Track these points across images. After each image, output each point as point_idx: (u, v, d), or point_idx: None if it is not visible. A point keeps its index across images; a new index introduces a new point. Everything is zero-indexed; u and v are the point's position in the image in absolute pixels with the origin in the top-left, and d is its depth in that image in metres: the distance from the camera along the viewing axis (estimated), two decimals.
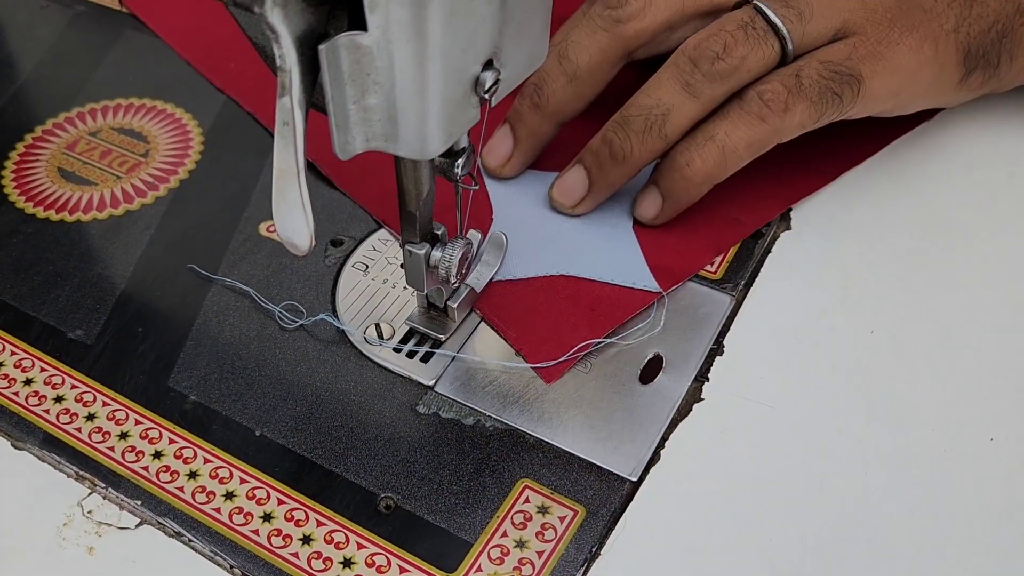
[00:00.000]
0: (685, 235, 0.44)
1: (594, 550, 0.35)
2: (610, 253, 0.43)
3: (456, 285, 0.39)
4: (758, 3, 0.41)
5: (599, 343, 0.40)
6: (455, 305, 0.40)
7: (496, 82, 0.33)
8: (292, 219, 0.32)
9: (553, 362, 0.39)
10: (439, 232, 0.38)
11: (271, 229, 0.46)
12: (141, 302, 0.44)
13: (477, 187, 0.40)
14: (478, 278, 0.42)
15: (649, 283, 0.42)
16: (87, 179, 0.49)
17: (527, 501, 0.36)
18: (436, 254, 0.38)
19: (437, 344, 0.41)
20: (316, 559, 0.35)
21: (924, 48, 0.42)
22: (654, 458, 0.37)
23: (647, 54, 0.45)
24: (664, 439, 0.38)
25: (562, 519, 0.36)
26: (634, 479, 0.37)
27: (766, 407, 0.39)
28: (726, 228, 0.44)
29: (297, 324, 0.42)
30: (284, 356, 0.41)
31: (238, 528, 0.36)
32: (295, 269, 0.44)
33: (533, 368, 0.39)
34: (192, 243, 0.46)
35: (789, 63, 0.41)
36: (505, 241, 0.43)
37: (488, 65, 0.33)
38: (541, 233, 0.44)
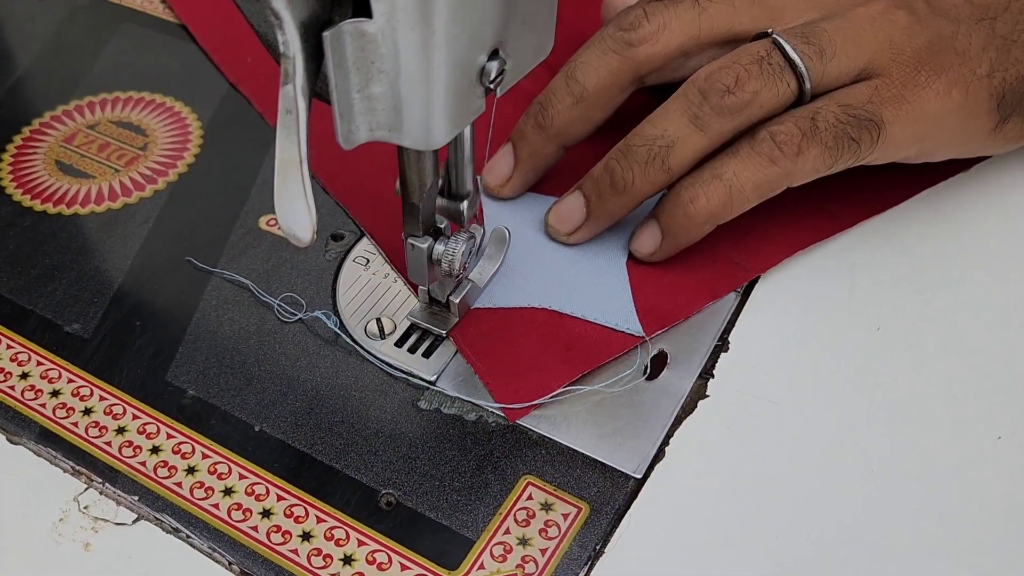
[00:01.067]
0: (680, 276, 0.41)
1: (598, 548, 0.34)
2: (597, 289, 0.41)
3: (459, 280, 0.39)
4: (777, 37, 0.39)
5: (576, 389, 0.38)
6: (457, 300, 0.40)
7: (502, 72, 0.33)
8: (294, 210, 0.31)
9: (519, 405, 0.37)
10: (442, 225, 0.38)
11: (271, 223, 0.46)
12: (139, 296, 0.43)
13: (483, 229, 0.41)
14: (480, 273, 0.42)
15: (633, 325, 0.39)
16: (85, 172, 0.49)
17: (530, 498, 0.36)
18: (439, 248, 0.37)
19: (439, 339, 0.40)
20: (316, 556, 0.34)
21: (952, 93, 0.39)
22: (659, 455, 0.37)
23: (659, 80, 0.43)
24: (669, 436, 0.37)
25: (565, 516, 0.35)
26: (638, 476, 0.36)
27: (771, 404, 0.38)
28: (725, 272, 0.42)
29: (296, 317, 0.42)
30: (284, 351, 0.41)
31: (237, 524, 0.35)
32: (295, 263, 0.44)
33: (499, 407, 0.38)
34: (191, 237, 0.45)
35: (806, 103, 0.39)
36: (508, 236, 0.42)
37: (494, 55, 0.32)
38: (529, 261, 0.42)
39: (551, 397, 0.37)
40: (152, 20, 0.58)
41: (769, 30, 0.40)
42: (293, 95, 0.29)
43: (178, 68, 0.54)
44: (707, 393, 0.39)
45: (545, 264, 0.42)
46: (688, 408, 0.38)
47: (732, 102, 0.39)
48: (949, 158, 0.43)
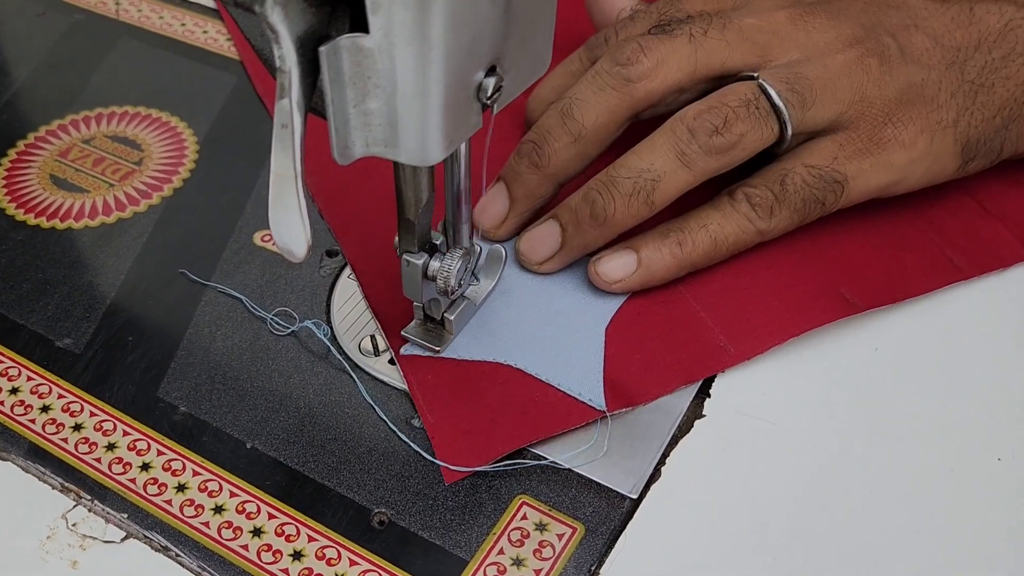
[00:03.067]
0: (658, 352, 0.39)
1: (593, 569, 0.34)
2: (567, 353, 0.39)
3: (454, 297, 0.38)
4: (763, 82, 0.40)
5: (521, 463, 0.36)
6: (452, 317, 0.40)
7: (499, 88, 0.32)
8: (289, 225, 0.31)
9: (460, 468, 0.36)
10: (438, 242, 0.37)
11: (266, 239, 0.46)
12: (132, 311, 0.43)
13: (477, 304, 0.41)
14: (476, 292, 0.41)
15: (596, 398, 0.37)
16: (79, 186, 0.49)
17: (524, 518, 0.35)
18: (435, 264, 0.37)
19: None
20: (307, 575, 0.34)
21: (919, 143, 0.40)
22: (655, 475, 0.36)
23: (652, 115, 0.43)
24: (665, 456, 0.37)
25: (560, 536, 0.35)
26: (634, 496, 0.36)
27: (768, 424, 0.38)
28: (707, 354, 0.39)
29: (288, 330, 0.41)
30: (277, 367, 0.40)
31: (227, 543, 0.35)
32: (289, 279, 0.44)
33: (437, 463, 0.36)
34: (185, 252, 0.45)
35: (784, 146, 0.40)
36: (504, 255, 0.42)
37: (491, 71, 0.32)
38: (504, 311, 0.41)
39: (493, 465, 0.36)
40: (150, 36, 0.58)
41: (755, 73, 0.40)
42: (289, 109, 0.29)
43: (175, 83, 0.54)
44: (703, 413, 0.38)
45: (519, 317, 0.41)
46: (684, 428, 0.38)
47: (719, 143, 0.39)
48: (913, 190, 0.43)
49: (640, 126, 0.42)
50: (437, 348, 0.40)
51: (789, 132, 0.40)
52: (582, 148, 0.42)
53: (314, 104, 0.31)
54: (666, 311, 0.41)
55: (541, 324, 0.41)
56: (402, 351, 0.40)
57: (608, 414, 0.37)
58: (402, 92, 0.30)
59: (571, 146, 0.41)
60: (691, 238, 0.40)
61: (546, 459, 0.36)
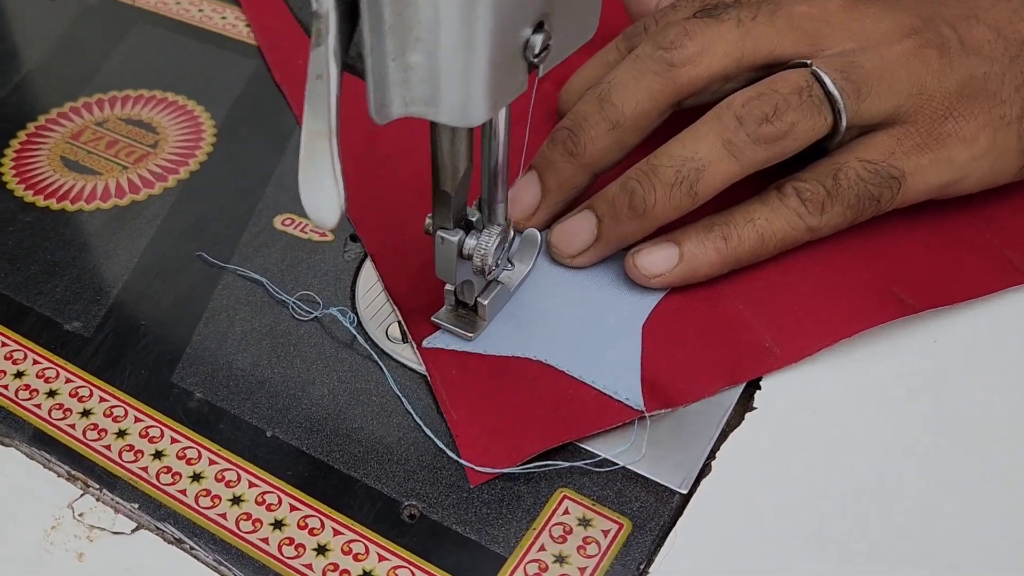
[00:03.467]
0: (699, 352, 0.36)
1: (642, 567, 0.31)
2: (603, 350, 0.37)
3: (490, 278, 0.36)
4: (817, 69, 0.37)
5: (554, 465, 0.33)
6: (486, 302, 0.37)
7: (546, 47, 0.30)
8: (320, 188, 0.29)
9: (486, 469, 0.33)
10: (474, 219, 0.35)
11: (286, 223, 0.43)
12: (145, 294, 0.41)
13: (514, 235, 0.38)
14: (510, 277, 0.39)
15: (633, 396, 0.35)
16: (91, 168, 0.46)
17: (567, 512, 0.33)
18: (470, 242, 0.35)
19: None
20: (332, 571, 0.31)
21: (980, 139, 0.38)
22: (705, 469, 0.34)
23: (696, 103, 0.40)
24: (715, 450, 0.34)
25: (606, 533, 0.32)
26: (684, 491, 0.33)
27: (821, 417, 0.35)
28: (752, 355, 0.36)
29: (312, 316, 0.39)
30: (299, 352, 0.38)
31: (246, 536, 0.32)
32: (312, 264, 0.41)
33: (462, 463, 0.34)
34: (202, 235, 0.43)
35: (837, 139, 0.38)
36: (540, 239, 0.40)
37: (539, 28, 0.30)
38: (536, 306, 0.38)
39: (523, 467, 0.33)
40: (165, 20, 0.56)
41: (808, 61, 0.38)
42: (325, 58, 0.27)
43: (191, 67, 0.52)
44: (754, 405, 0.36)
45: (551, 311, 0.38)
46: (734, 421, 0.35)
47: (769, 131, 0.36)
48: (973, 192, 0.40)
49: (681, 117, 0.40)
50: (470, 334, 0.37)
51: (843, 123, 0.37)
52: (620, 136, 0.39)
53: (350, 59, 0.29)
54: (707, 308, 0.38)
55: (574, 319, 0.38)
56: (425, 343, 0.38)
57: (647, 415, 0.34)
58: (445, 45, 0.28)
59: (609, 134, 0.39)
60: (736, 233, 0.38)
61: (579, 462, 0.34)
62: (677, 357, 0.36)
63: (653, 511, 0.33)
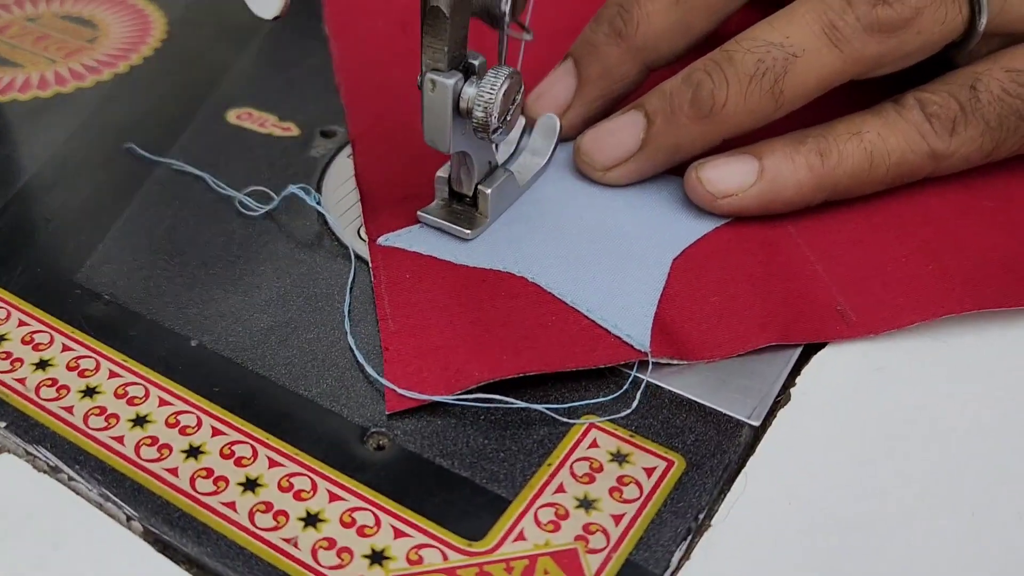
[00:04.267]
0: (743, 302, 0.27)
1: (701, 517, 0.22)
2: (612, 276, 0.28)
3: (496, 139, 0.27)
4: None
5: (507, 401, 0.24)
6: (489, 191, 0.29)
7: None
8: None
9: (410, 394, 0.25)
10: (475, 62, 0.27)
11: (243, 116, 0.35)
12: (57, 187, 0.32)
13: (530, 37, 0.29)
14: (523, 168, 0.30)
15: (637, 334, 0.26)
16: (12, 61, 0.38)
17: (595, 445, 0.24)
18: (469, 91, 0.26)
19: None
20: (262, 512, 0.22)
21: None
22: (782, 398, 0.25)
23: None
24: (794, 374, 0.26)
25: (650, 472, 0.23)
26: (755, 424, 0.24)
27: (927, 339, 0.27)
28: (816, 315, 0.27)
29: (263, 211, 0.30)
30: (244, 253, 0.29)
31: (146, 464, 0.23)
32: (271, 159, 0.33)
33: (389, 386, 0.25)
34: (136, 129, 0.34)
35: (970, 45, 0.29)
36: (558, 127, 0.31)
37: None
38: (536, 218, 0.30)
39: (457, 397, 0.25)
40: None
41: None
42: None
43: None
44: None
45: (559, 227, 0.30)
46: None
47: (886, 15, 0.27)
48: None
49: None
50: (468, 231, 0.29)
51: (982, 19, 0.28)
52: (683, 15, 0.30)
53: None
54: (766, 253, 0.29)
55: (583, 241, 0.29)
56: (381, 240, 0.29)
57: (651, 359, 0.25)
58: None
59: (671, 9, 0.30)
60: (838, 148, 0.29)
61: (537, 406, 0.24)
62: (710, 304, 0.27)
63: (714, 446, 0.24)
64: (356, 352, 0.26)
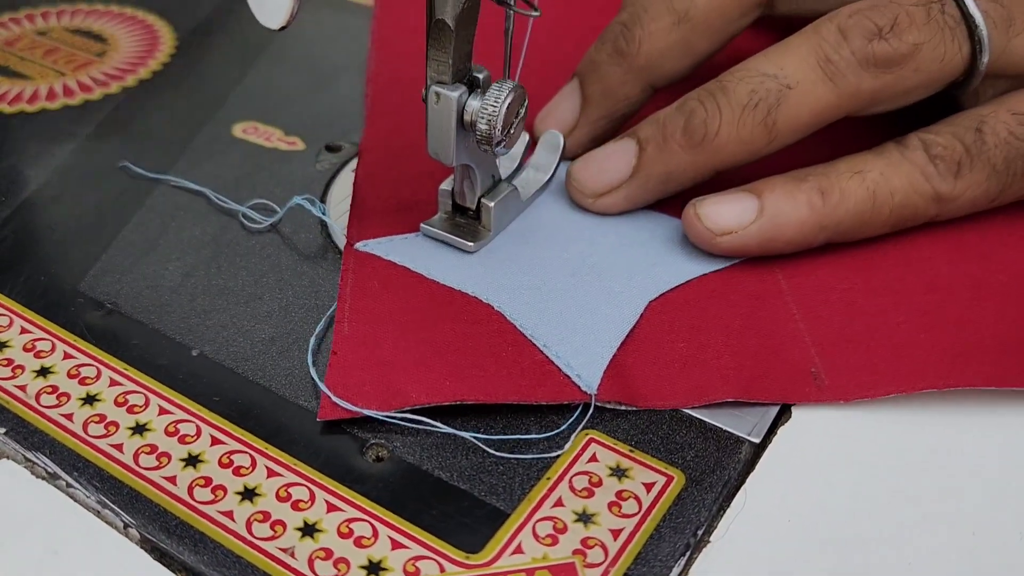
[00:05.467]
0: (711, 353, 0.26)
1: (701, 533, 0.22)
2: (581, 314, 0.27)
3: (500, 153, 0.27)
4: None
5: (430, 427, 0.24)
6: (492, 204, 0.29)
7: None
8: None
9: (345, 404, 0.24)
10: (480, 75, 0.27)
11: (248, 130, 0.35)
12: (62, 198, 0.32)
13: (538, 14, 0.28)
14: (526, 183, 0.31)
15: (587, 375, 0.25)
16: (21, 73, 0.39)
17: (594, 459, 0.24)
18: (473, 104, 0.26)
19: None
20: (260, 522, 0.22)
21: None
22: (783, 416, 0.25)
23: (792, 9, 0.32)
24: None
25: (649, 487, 0.23)
26: (755, 440, 0.24)
27: None
28: (785, 375, 0.26)
29: (267, 223, 0.30)
30: (246, 264, 0.29)
31: (145, 473, 0.23)
32: (274, 171, 0.33)
33: (326, 392, 0.25)
34: (142, 143, 0.35)
35: (972, 85, 0.28)
36: (561, 143, 0.31)
37: None
38: (512, 248, 0.29)
39: (388, 415, 0.24)
40: None
41: None
42: None
43: None
44: None
45: (533, 258, 0.29)
46: None
47: (882, 51, 0.27)
48: None
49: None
50: (470, 243, 0.29)
51: (983, 61, 0.28)
52: (687, 34, 0.30)
53: None
54: (747, 306, 0.28)
55: (561, 273, 0.28)
56: (358, 245, 0.29)
57: (596, 402, 0.25)
58: None
59: (672, 30, 0.30)
60: (840, 186, 0.28)
61: (466, 434, 0.24)
62: (676, 350, 0.26)
63: (714, 462, 0.24)
64: (309, 355, 0.26)
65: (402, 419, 0.24)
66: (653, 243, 0.29)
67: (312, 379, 0.25)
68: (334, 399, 0.24)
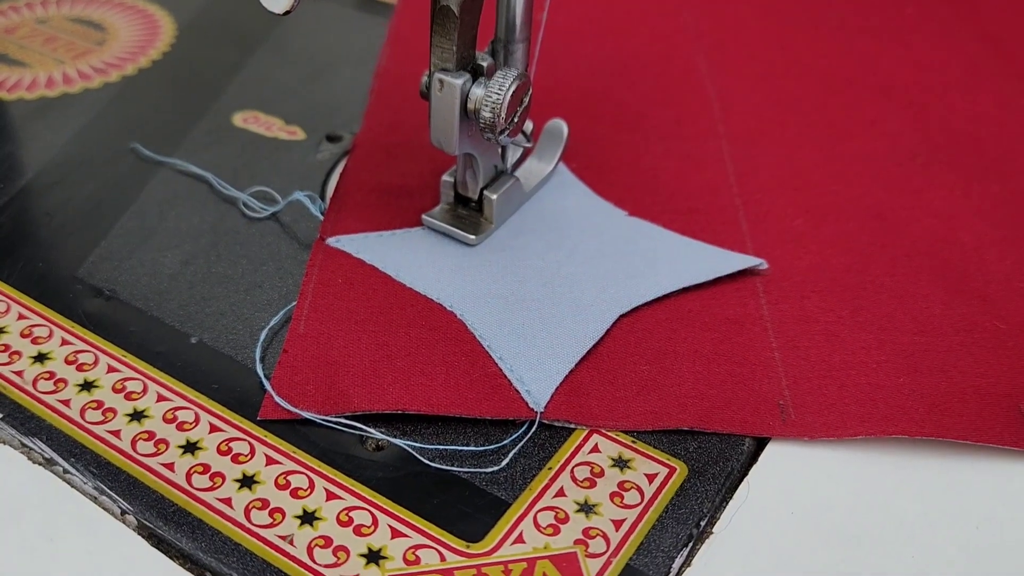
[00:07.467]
0: (676, 379, 0.25)
1: (703, 524, 0.22)
2: (543, 327, 0.26)
3: (503, 142, 0.27)
4: None
5: (366, 433, 0.24)
6: (495, 196, 0.29)
7: None
8: None
9: (287, 406, 0.24)
10: (484, 63, 0.27)
11: (249, 120, 0.35)
12: (61, 184, 0.32)
13: None
14: (528, 174, 0.30)
15: (536, 392, 0.24)
16: (20, 61, 0.38)
17: (596, 450, 0.23)
18: (477, 92, 0.26)
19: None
20: (259, 509, 0.22)
21: None
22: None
23: None
24: None
25: (651, 478, 0.23)
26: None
27: None
28: (752, 408, 0.25)
29: (267, 213, 0.30)
30: (246, 252, 0.29)
31: (143, 460, 0.23)
32: (274, 161, 0.33)
33: (269, 391, 0.24)
34: (142, 130, 0.34)
35: None
36: (565, 131, 0.31)
37: None
38: (486, 256, 0.28)
39: (328, 419, 0.24)
40: None
41: None
42: None
43: None
44: None
45: (502, 268, 0.28)
46: None
47: None
48: None
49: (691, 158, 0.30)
50: (472, 236, 0.29)
51: None
52: None
53: None
54: (723, 331, 0.27)
55: (533, 283, 0.28)
56: (330, 241, 0.29)
57: (541, 419, 0.24)
58: None
59: None
60: None
61: (400, 441, 0.23)
62: (639, 372, 0.25)
63: (717, 454, 0.23)
64: (258, 349, 0.25)
65: (336, 423, 0.24)
66: (635, 256, 0.29)
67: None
68: (276, 399, 0.24)
